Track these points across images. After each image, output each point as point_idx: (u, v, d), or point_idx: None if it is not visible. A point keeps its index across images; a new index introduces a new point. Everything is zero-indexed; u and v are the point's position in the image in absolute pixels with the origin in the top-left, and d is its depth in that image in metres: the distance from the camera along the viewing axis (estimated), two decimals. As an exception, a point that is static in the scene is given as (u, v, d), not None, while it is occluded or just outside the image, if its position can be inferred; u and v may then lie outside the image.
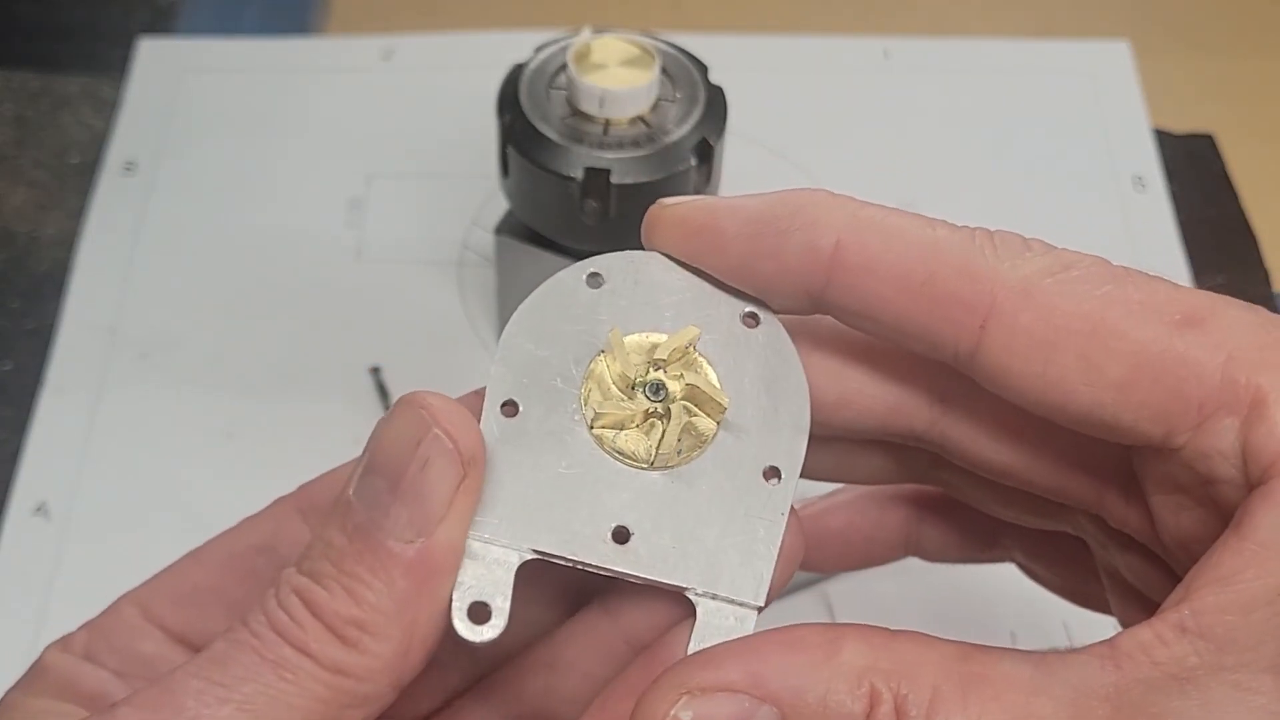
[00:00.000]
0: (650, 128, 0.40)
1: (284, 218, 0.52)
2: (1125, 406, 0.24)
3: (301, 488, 0.28)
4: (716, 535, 0.25)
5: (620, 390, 0.26)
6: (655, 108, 0.40)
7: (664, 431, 0.25)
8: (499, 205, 0.54)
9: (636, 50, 0.40)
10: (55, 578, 0.43)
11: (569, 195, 0.39)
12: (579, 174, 0.39)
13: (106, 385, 0.48)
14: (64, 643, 0.27)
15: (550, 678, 0.27)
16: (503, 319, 0.47)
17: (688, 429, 0.26)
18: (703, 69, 0.42)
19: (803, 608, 0.43)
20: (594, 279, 0.27)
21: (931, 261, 0.26)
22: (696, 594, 0.25)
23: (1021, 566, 0.33)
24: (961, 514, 0.32)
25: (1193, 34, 0.62)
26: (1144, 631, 0.23)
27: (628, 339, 0.26)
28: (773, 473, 0.26)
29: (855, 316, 0.26)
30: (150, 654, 0.27)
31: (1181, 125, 0.57)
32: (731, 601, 0.25)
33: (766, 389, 0.26)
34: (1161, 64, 0.59)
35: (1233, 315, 0.24)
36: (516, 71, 0.41)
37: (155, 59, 0.57)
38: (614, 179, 0.38)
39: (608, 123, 0.40)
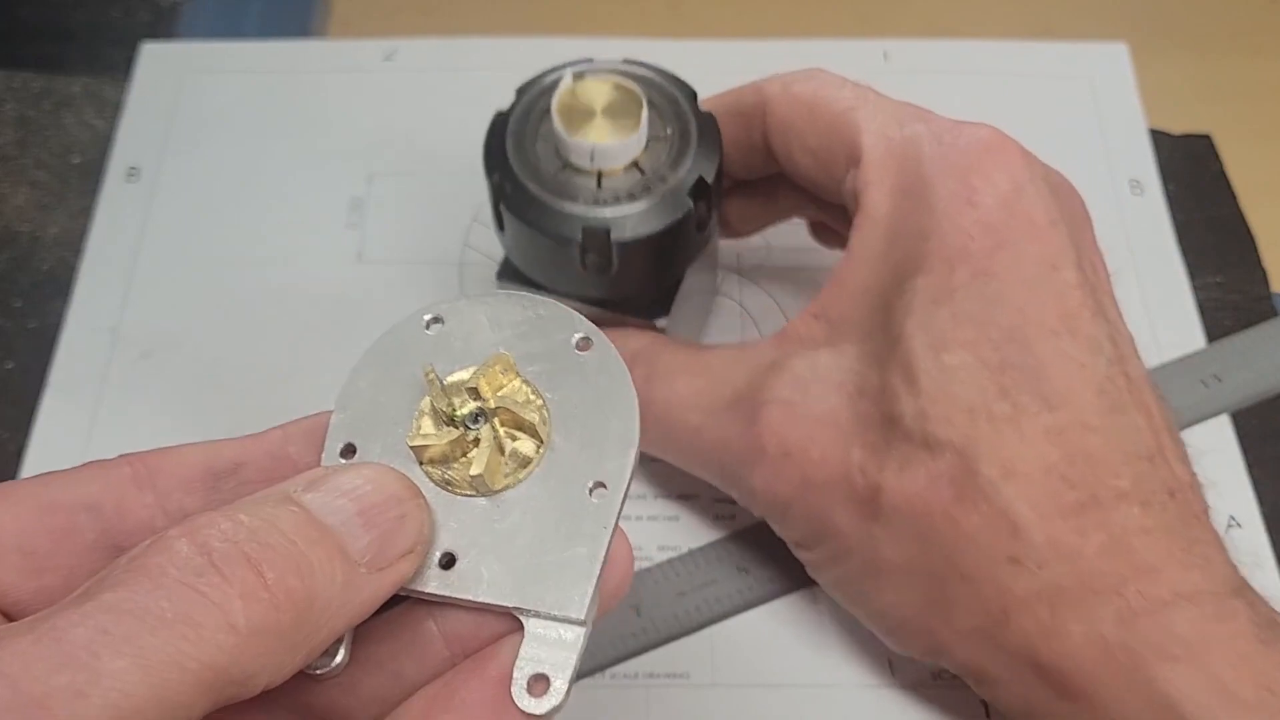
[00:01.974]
0: (645, 174, 0.39)
1: (285, 218, 0.53)
2: (816, 165, 0.39)
3: (137, 457, 0.26)
4: (540, 553, 0.26)
5: (444, 423, 0.27)
6: (647, 148, 0.39)
7: (476, 457, 0.26)
8: (500, 206, 0.54)
9: (622, 92, 0.39)
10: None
11: (568, 254, 0.38)
12: (577, 235, 0.38)
13: (109, 385, 0.48)
14: None
15: (354, 671, 0.26)
16: None
17: (513, 454, 0.26)
18: (690, 95, 0.41)
19: (797, 605, 0.43)
20: (434, 323, 0.28)
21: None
22: (523, 613, 0.25)
23: (810, 226, 0.47)
24: (752, 190, 0.45)
25: (1190, 36, 0.62)
26: (798, 321, 0.38)
27: (455, 375, 0.27)
28: (599, 487, 0.26)
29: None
30: None
31: (1179, 126, 0.57)
32: (556, 619, 0.25)
33: (596, 407, 0.27)
34: (1159, 65, 0.59)
35: (883, 103, 0.39)
36: (500, 122, 0.40)
37: (157, 62, 0.58)
38: (614, 236, 0.37)
39: (600, 174, 0.38)
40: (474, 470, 0.26)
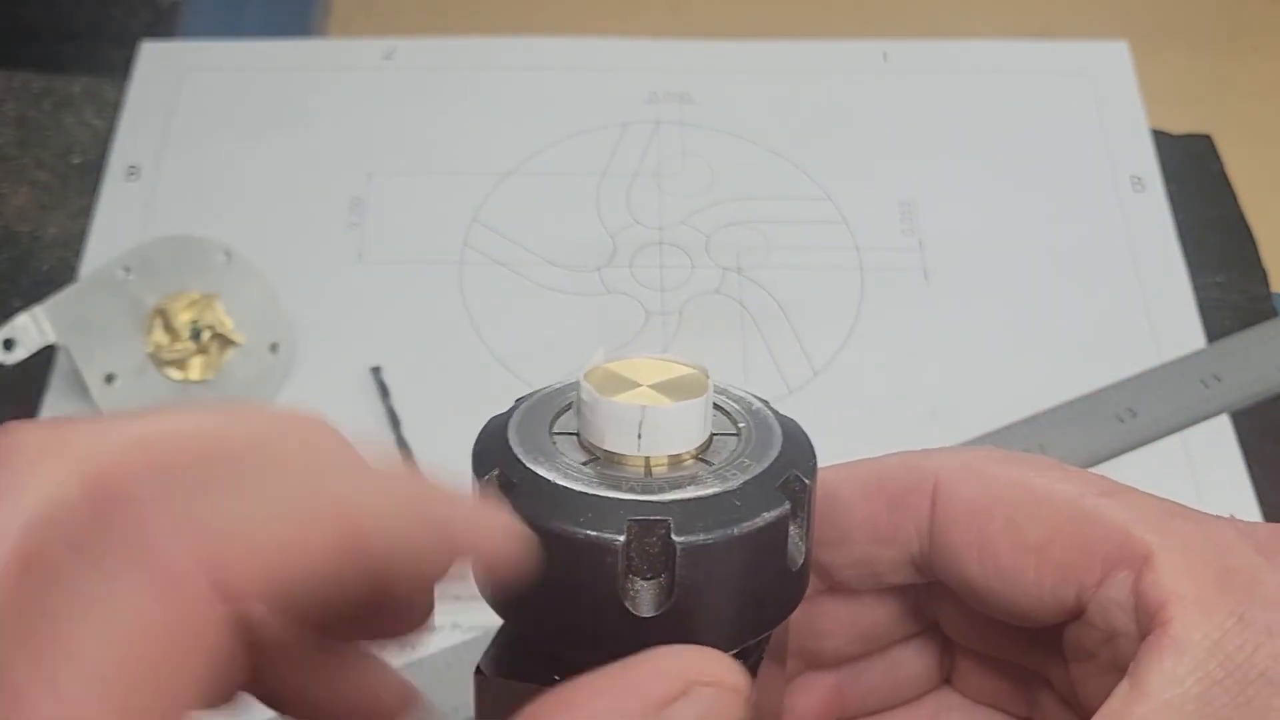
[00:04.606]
0: (711, 465, 0.26)
1: (285, 217, 0.53)
2: (1043, 569, 0.26)
3: (208, 561, 0.20)
4: None
5: None
6: (712, 445, 0.27)
7: None
8: (501, 203, 0.54)
9: (676, 368, 0.27)
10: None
11: (603, 571, 0.24)
12: (621, 534, 0.24)
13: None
14: None
15: None
16: None
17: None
18: (763, 400, 0.29)
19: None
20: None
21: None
22: None
23: None
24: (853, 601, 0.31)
25: (1191, 34, 0.62)
26: None
27: None
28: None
29: None
30: None
31: (1180, 126, 0.57)
32: None
33: None
34: (1160, 64, 0.59)
35: (1141, 494, 0.27)
36: (498, 421, 0.27)
37: (157, 62, 0.58)
38: (676, 536, 0.24)
39: (649, 463, 0.26)
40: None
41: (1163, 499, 0.27)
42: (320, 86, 0.57)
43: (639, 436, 0.26)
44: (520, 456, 0.25)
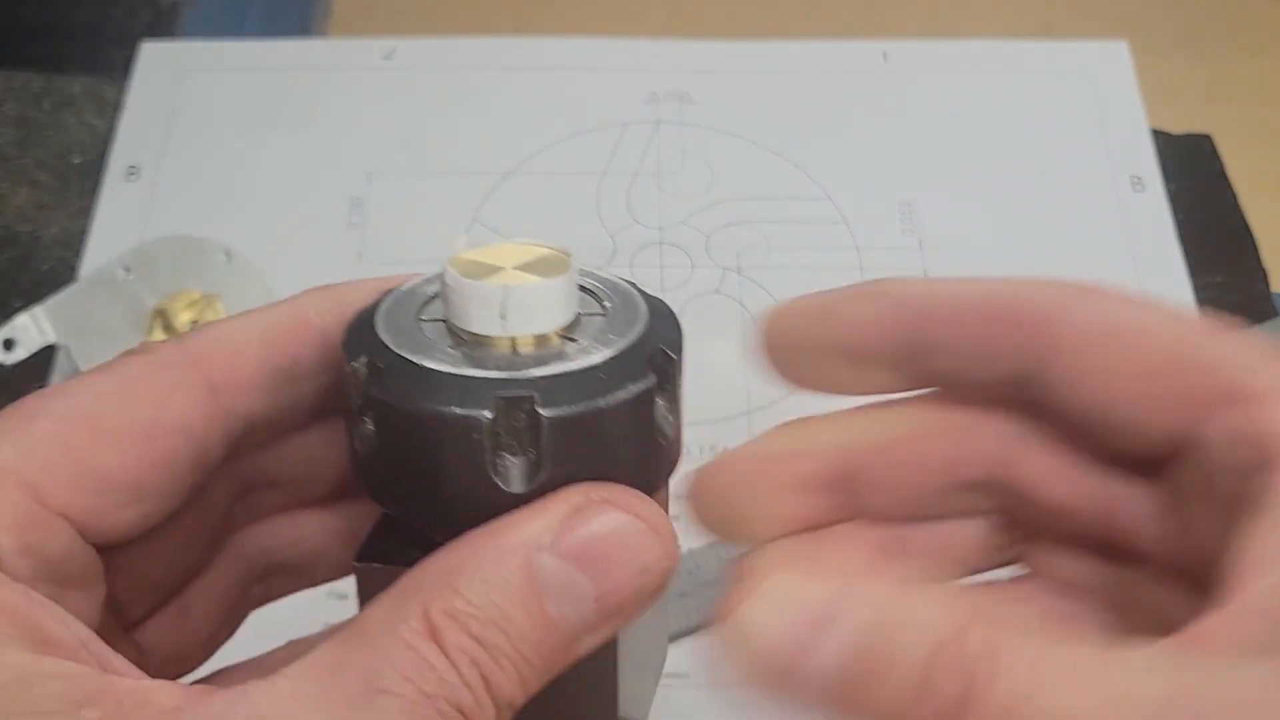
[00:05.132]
0: (577, 343, 0.26)
1: (285, 217, 0.53)
2: (1155, 398, 0.25)
3: (193, 353, 0.26)
4: None
5: None
6: (579, 324, 0.27)
7: None
8: (501, 203, 0.54)
9: (538, 252, 0.27)
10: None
11: (471, 449, 0.24)
12: (487, 410, 0.24)
13: (109, 385, 0.48)
14: None
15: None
16: None
17: None
18: (630, 282, 0.29)
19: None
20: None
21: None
22: None
23: None
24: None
25: (1191, 35, 0.62)
26: (1214, 621, 0.23)
27: None
28: None
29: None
30: (57, 556, 0.23)
31: (1179, 126, 0.57)
32: None
33: None
34: (1160, 64, 0.59)
35: (1250, 337, 0.26)
36: (366, 309, 0.27)
37: (157, 61, 0.58)
38: (542, 409, 0.24)
39: (514, 343, 0.26)
40: None
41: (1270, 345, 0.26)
42: (321, 86, 0.57)
43: (503, 317, 0.25)
44: (388, 343, 0.25)
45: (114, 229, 0.52)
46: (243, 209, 0.53)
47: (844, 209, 0.53)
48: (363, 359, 0.25)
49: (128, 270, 0.46)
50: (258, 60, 0.58)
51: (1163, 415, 0.25)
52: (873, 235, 0.53)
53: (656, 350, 0.26)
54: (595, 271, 0.28)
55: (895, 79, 0.58)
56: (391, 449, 0.25)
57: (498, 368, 0.25)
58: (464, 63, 0.58)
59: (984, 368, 0.27)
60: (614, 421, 0.25)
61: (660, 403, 0.26)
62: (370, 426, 0.25)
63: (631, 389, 0.25)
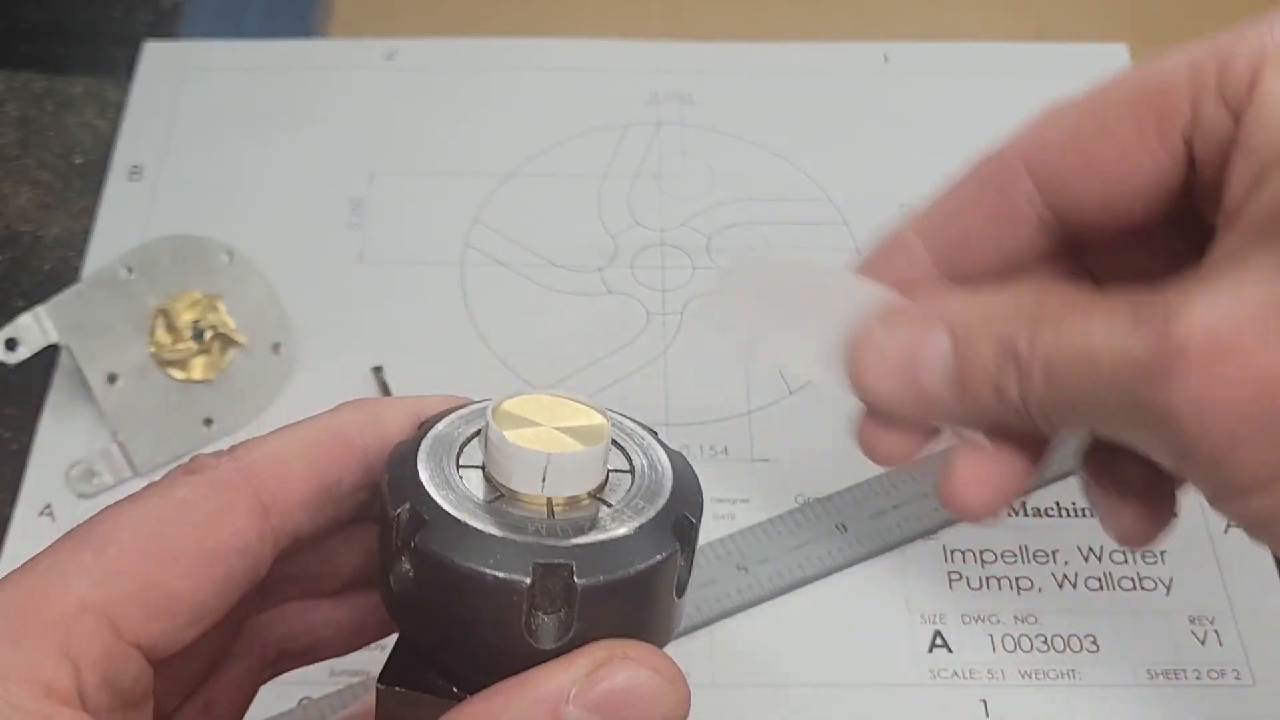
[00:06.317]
0: (611, 506, 0.28)
1: (287, 217, 0.53)
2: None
3: (242, 468, 0.27)
4: None
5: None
6: (608, 484, 0.29)
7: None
8: (502, 204, 0.54)
9: (574, 407, 0.29)
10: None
11: (508, 609, 0.26)
12: (526, 576, 0.26)
13: (111, 384, 0.48)
14: (44, 688, 0.22)
15: None
16: None
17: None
18: (651, 431, 0.31)
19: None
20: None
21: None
22: None
23: None
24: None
25: (1190, 36, 0.63)
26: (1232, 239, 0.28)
27: None
28: None
29: None
30: (129, 683, 0.24)
31: (1179, 128, 0.57)
32: None
33: None
34: (1159, 67, 0.59)
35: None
36: (407, 450, 0.29)
37: (159, 62, 0.58)
38: (578, 578, 0.26)
39: (550, 503, 0.28)
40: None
41: None
42: (322, 87, 0.57)
43: (544, 480, 0.27)
44: (431, 492, 0.27)
45: (116, 229, 0.52)
46: (244, 209, 0.53)
47: (844, 210, 0.54)
48: (407, 506, 0.27)
49: (130, 270, 0.46)
50: (260, 61, 0.58)
51: None
52: (873, 236, 0.53)
53: (681, 517, 0.28)
54: (622, 421, 0.30)
55: (896, 81, 0.58)
56: (429, 595, 0.27)
57: (536, 532, 0.26)
58: (465, 64, 0.58)
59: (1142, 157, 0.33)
60: (639, 586, 0.27)
61: (680, 564, 0.28)
62: (408, 569, 0.27)
63: (657, 558, 0.27)
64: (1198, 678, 0.41)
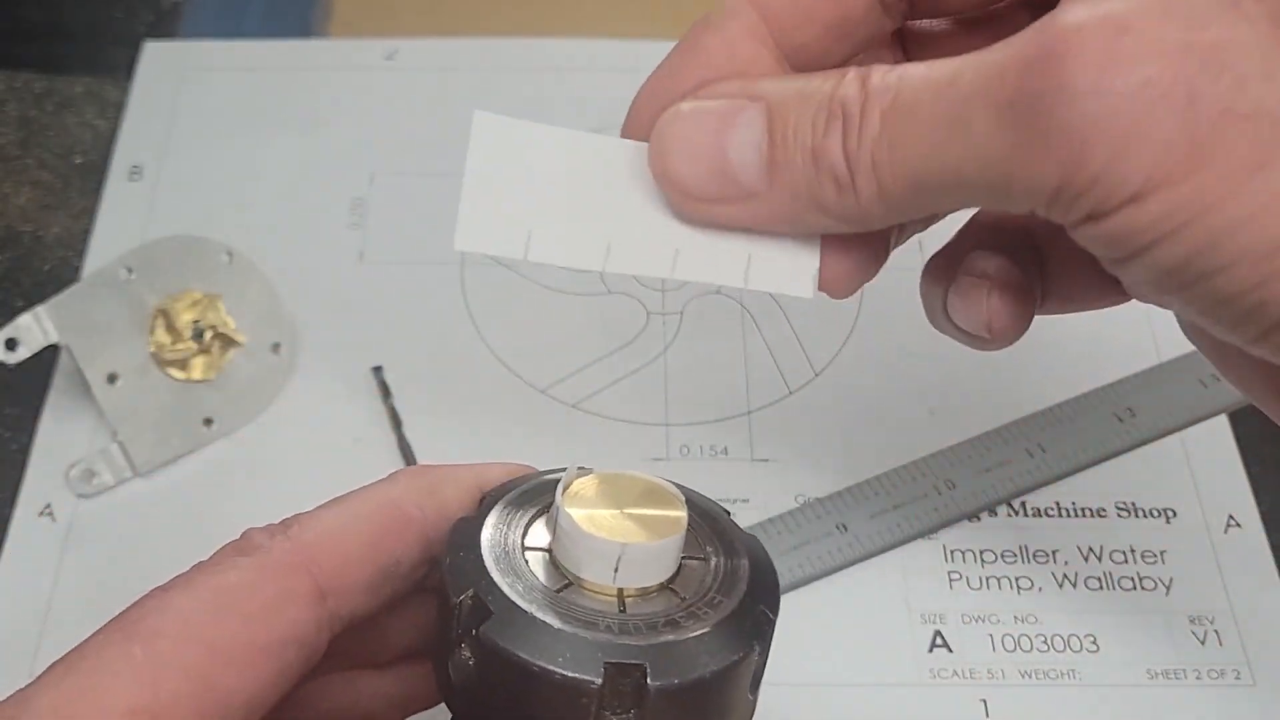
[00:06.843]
0: (683, 599, 0.27)
1: (287, 217, 0.53)
2: None
3: (298, 549, 0.26)
4: None
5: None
6: (681, 572, 0.28)
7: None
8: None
9: (648, 488, 0.27)
10: (59, 581, 0.43)
11: (576, 709, 0.25)
12: (597, 677, 0.25)
13: (111, 384, 0.48)
14: None
15: None
16: None
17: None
18: (725, 512, 0.30)
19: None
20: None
21: None
22: None
23: None
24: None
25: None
26: None
27: None
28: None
29: None
30: None
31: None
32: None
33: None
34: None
35: None
36: (470, 530, 0.27)
37: (159, 62, 0.58)
38: (651, 680, 0.25)
39: (621, 594, 0.26)
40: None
41: None
42: (322, 87, 0.57)
43: (616, 571, 0.26)
44: (496, 579, 0.26)
45: (116, 229, 0.52)
46: (245, 209, 0.53)
47: (844, 210, 0.54)
48: (470, 593, 0.26)
49: (130, 270, 0.46)
50: (260, 61, 0.58)
51: None
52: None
53: (759, 613, 0.27)
54: (694, 499, 0.28)
55: (895, 80, 0.58)
56: (491, 688, 0.25)
57: (608, 629, 0.25)
58: (466, 63, 0.58)
59: None
60: (714, 688, 0.25)
61: (756, 660, 0.27)
62: (469, 657, 0.26)
63: (733, 659, 0.25)
64: (1198, 678, 0.41)
